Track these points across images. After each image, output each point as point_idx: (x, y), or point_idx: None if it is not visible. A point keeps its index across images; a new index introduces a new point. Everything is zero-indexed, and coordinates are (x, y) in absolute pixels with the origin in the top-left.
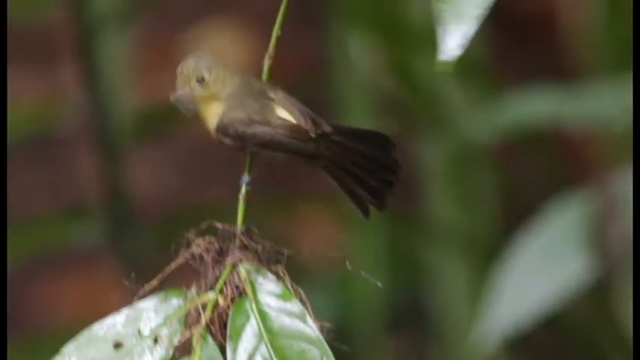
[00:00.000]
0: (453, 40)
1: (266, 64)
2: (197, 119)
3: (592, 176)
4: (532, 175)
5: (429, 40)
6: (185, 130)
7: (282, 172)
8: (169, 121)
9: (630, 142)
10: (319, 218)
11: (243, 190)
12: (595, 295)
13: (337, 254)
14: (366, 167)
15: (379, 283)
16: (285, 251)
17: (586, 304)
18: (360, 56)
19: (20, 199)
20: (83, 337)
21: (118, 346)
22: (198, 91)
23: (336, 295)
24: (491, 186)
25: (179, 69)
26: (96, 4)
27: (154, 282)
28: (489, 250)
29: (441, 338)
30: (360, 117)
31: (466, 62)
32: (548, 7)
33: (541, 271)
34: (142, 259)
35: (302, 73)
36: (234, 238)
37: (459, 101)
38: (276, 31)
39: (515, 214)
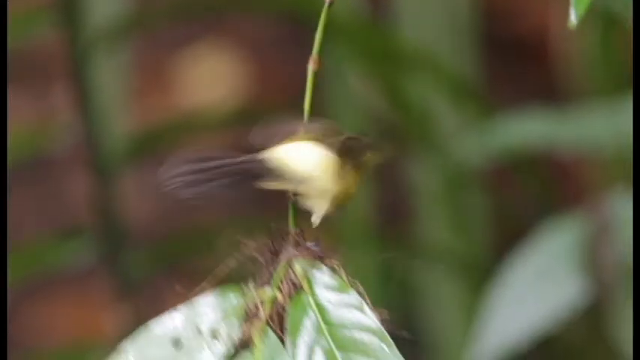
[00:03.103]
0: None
1: (310, 68)
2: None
3: (585, 199)
4: (525, 198)
5: (420, 62)
6: (178, 151)
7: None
8: (162, 142)
9: (623, 166)
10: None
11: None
12: (589, 317)
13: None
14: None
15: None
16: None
17: (580, 325)
18: (352, 79)
19: (13, 220)
20: (141, 336)
21: (177, 343)
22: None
23: None
24: (483, 208)
25: None
26: (89, 27)
27: (204, 284)
28: (482, 272)
29: (434, 358)
30: None
31: (459, 85)
32: (541, 30)
33: (534, 292)
34: (135, 279)
35: (294, 95)
36: (286, 237)
37: (452, 124)
38: (318, 34)
39: (507, 236)
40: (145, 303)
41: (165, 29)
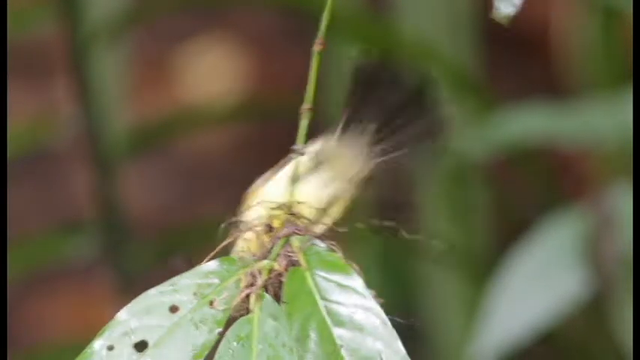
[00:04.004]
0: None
1: (315, 49)
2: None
3: (587, 192)
4: (526, 191)
5: (421, 56)
6: (179, 145)
7: None
8: (163, 136)
9: (625, 159)
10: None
11: (292, 162)
12: (591, 311)
13: None
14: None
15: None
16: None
17: (582, 319)
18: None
19: (13, 215)
20: (137, 302)
21: (174, 309)
22: None
23: None
24: (485, 202)
25: None
26: (89, 20)
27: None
28: (484, 266)
29: (435, 354)
30: None
31: (460, 78)
32: (543, 24)
33: (536, 286)
34: (136, 273)
35: (294, 88)
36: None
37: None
38: (325, 17)
39: (509, 230)
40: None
41: (166, 22)
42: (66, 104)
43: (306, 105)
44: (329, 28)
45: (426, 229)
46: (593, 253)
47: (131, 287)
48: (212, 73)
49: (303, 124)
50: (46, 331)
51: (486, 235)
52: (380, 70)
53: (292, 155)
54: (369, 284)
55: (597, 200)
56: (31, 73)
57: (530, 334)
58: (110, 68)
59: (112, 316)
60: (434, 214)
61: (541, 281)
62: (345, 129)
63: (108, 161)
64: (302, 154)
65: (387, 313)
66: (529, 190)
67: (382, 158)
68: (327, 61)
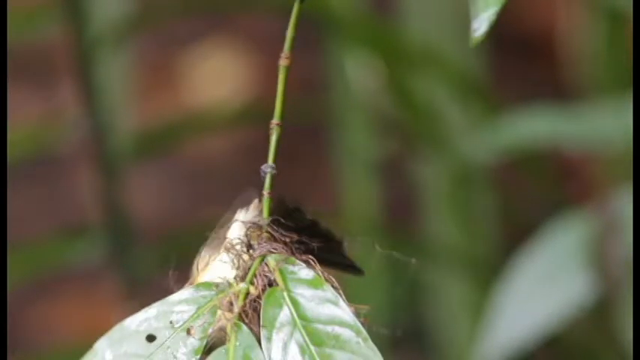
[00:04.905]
0: (484, 22)
1: (281, 64)
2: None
3: (593, 196)
4: (532, 195)
5: (427, 59)
6: (184, 149)
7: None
8: (169, 140)
9: (631, 163)
10: None
11: (268, 179)
12: (596, 315)
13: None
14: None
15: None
16: (315, 241)
17: (587, 323)
18: (358, 76)
19: (19, 219)
20: (115, 332)
21: (151, 339)
22: None
23: None
24: (490, 206)
25: None
26: (95, 24)
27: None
28: (489, 269)
29: (441, 358)
30: (358, 138)
31: (466, 82)
32: (548, 27)
33: (541, 290)
34: (141, 277)
35: (299, 93)
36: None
37: (458, 121)
38: (290, 32)
39: (515, 234)
40: (152, 301)
41: (171, 26)
42: (71, 108)
43: (275, 121)
44: (335, 32)
45: (431, 232)
46: (599, 256)
47: (137, 291)
48: (217, 77)
49: (273, 140)
50: (51, 335)
51: (491, 238)
52: (296, 215)
53: (263, 173)
54: (375, 288)
55: (603, 204)
56: (36, 77)
57: (536, 338)
58: (115, 72)
59: (117, 320)
60: (439, 217)
61: (546, 285)
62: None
63: (113, 165)
64: (272, 173)
65: (391, 317)
66: (534, 194)
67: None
68: (333, 65)
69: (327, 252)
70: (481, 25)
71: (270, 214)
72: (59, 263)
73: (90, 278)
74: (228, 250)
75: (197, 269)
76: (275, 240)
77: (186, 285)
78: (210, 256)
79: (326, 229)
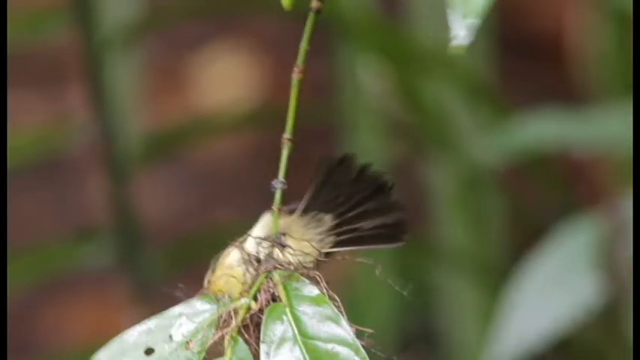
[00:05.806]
0: (462, 30)
1: (295, 78)
2: None
3: (601, 199)
4: (541, 199)
5: (436, 62)
6: (193, 152)
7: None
8: (178, 143)
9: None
10: None
11: (278, 194)
12: (605, 317)
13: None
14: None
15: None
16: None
17: (596, 325)
18: (367, 79)
19: (29, 222)
20: (114, 344)
21: (149, 352)
22: None
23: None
24: (499, 209)
25: None
26: (104, 27)
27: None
28: (499, 272)
29: None
30: (368, 140)
31: (474, 85)
32: (556, 30)
33: (551, 293)
34: (151, 281)
35: (309, 96)
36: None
37: (467, 124)
38: (303, 45)
39: (524, 237)
40: (161, 304)
41: (180, 29)
42: (80, 111)
43: (286, 135)
44: (345, 36)
45: (441, 235)
46: (608, 259)
47: (146, 294)
48: (226, 81)
49: (284, 155)
50: (61, 339)
51: (501, 241)
52: (344, 169)
53: (273, 189)
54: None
55: (611, 207)
56: (45, 80)
57: (545, 341)
58: (124, 75)
59: (127, 324)
60: (449, 221)
61: (556, 288)
62: (305, 213)
63: (122, 168)
64: (283, 187)
65: (401, 320)
66: (543, 197)
67: (337, 248)
68: (344, 69)
69: (375, 214)
70: (461, 31)
71: (316, 176)
72: (69, 267)
73: (100, 281)
74: (238, 264)
75: (208, 281)
76: (282, 251)
77: (196, 295)
78: (221, 269)
79: (374, 176)
